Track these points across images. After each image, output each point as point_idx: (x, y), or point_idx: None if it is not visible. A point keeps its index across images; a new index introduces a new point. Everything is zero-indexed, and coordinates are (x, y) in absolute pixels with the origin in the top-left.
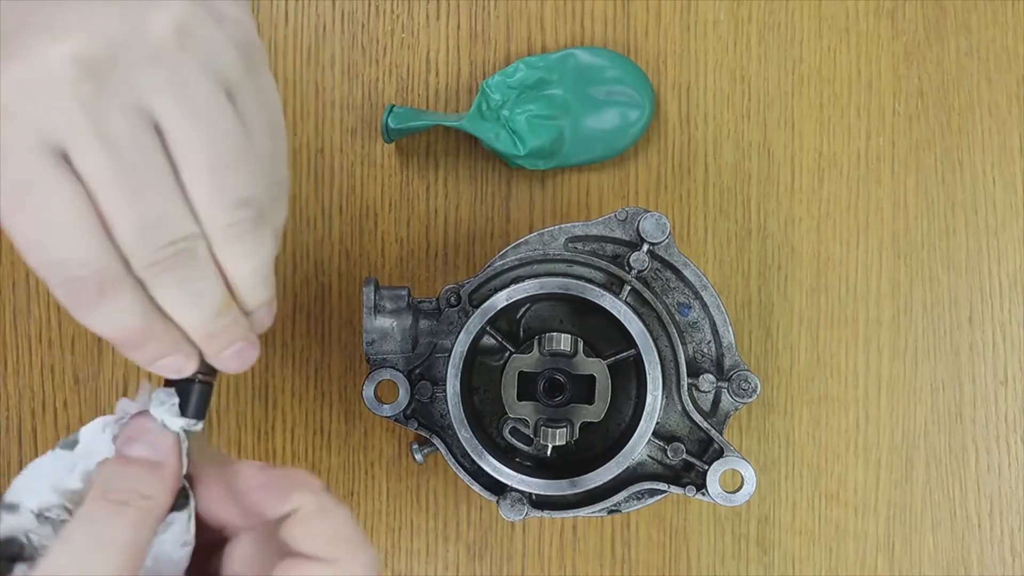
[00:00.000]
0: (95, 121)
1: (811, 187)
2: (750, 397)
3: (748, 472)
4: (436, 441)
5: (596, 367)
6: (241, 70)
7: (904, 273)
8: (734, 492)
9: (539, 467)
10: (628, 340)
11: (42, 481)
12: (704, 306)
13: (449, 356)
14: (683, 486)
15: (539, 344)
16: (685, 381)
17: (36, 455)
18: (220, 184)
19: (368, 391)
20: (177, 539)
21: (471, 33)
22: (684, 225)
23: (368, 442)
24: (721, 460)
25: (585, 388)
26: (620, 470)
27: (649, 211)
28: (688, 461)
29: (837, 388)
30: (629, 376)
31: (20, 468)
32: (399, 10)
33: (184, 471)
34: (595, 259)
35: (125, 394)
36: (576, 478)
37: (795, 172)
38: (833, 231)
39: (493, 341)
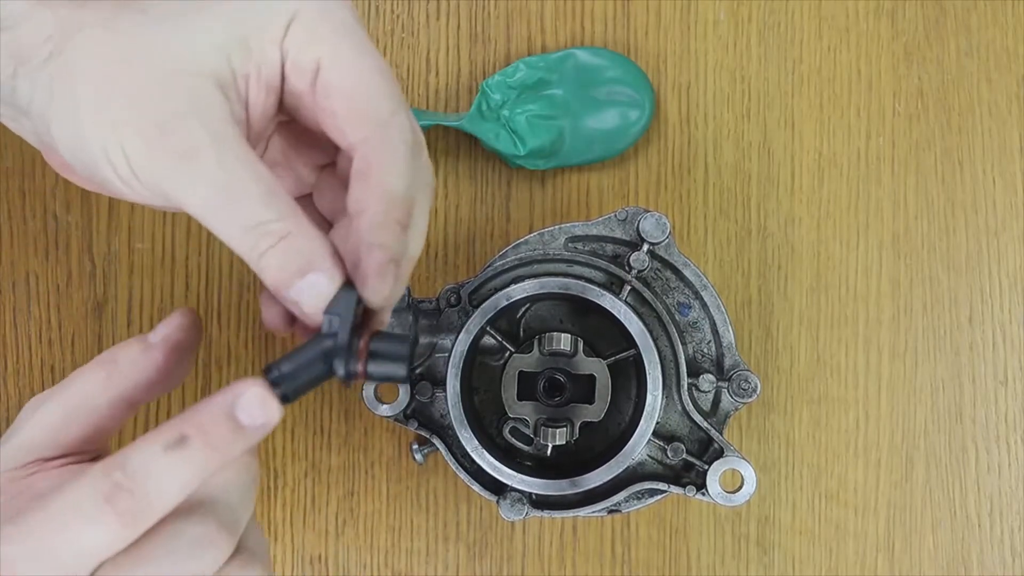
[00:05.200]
0: None
1: (811, 187)
2: (750, 397)
3: (748, 472)
4: (436, 441)
5: (596, 367)
6: None
7: (904, 273)
8: (734, 492)
9: (539, 467)
10: (628, 340)
11: None
12: (704, 306)
13: (449, 356)
14: (683, 486)
15: (539, 344)
16: (685, 381)
17: None
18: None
19: (368, 391)
20: None
21: (471, 33)
22: (684, 225)
23: (368, 442)
24: (721, 460)
25: (585, 388)
26: (620, 470)
27: (649, 211)
28: (688, 461)
29: (837, 388)
30: (629, 376)
31: None
32: (399, 10)
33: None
34: (595, 259)
35: None
36: (576, 478)
37: (795, 172)
38: (833, 231)
39: (493, 341)
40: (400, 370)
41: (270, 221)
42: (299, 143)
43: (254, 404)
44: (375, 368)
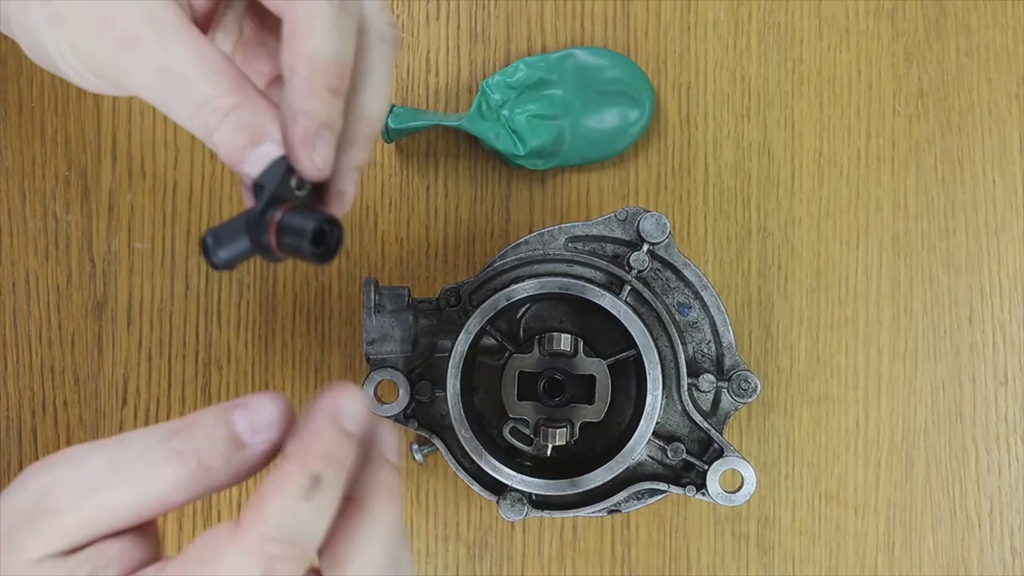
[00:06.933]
0: None
1: (811, 187)
2: (750, 397)
3: (748, 472)
4: (436, 441)
5: (596, 367)
6: None
7: (904, 273)
8: (734, 492)
9: (539, 467)
10: (628, 340)
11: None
12: (704, 306)
13: (449, 356)
14: (683, 486)
15: (539, 344)
16: (685, 381)
17: (36, 455)
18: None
19: (368, 391)
20: None
21: (471, 33)
22: (684, 225)
23: None
24: (721, 460)
25: (585, 388)
26: (620, 470)
27: (649, 211)
28: (688, 461)
29: (837, 388)
30: (629, 376)
31: (20, 468)
32: (399, 10)
33: None
34: (595, 259)
35: (125, 394)
36: (576, 478)
37: (795, 172)
38: (833, 231)
39: (493, 341)
40: (303, 244)
41: (216, 97)
42: (267, 22)
43: (354, 406)
44: (282, 241)
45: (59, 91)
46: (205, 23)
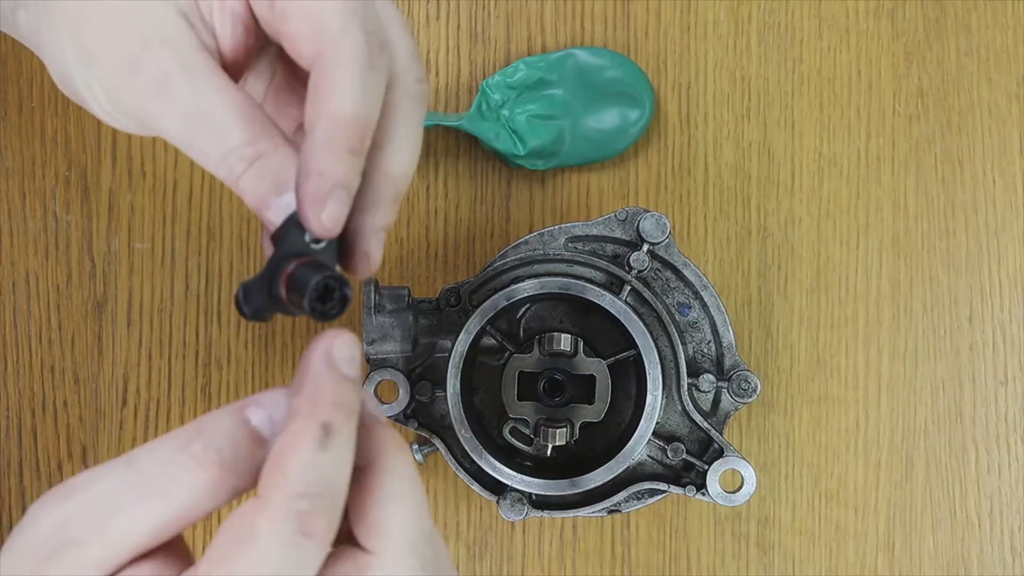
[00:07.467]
0: None
1: (811, 187)
2: (750, 397)
3: (748, 472)
4: (436, 441)
5: (596, 367)
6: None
7: (904, 273)
8: (734, 492)
9: (539, 467)
10: (628, 340)
11: None
12: (704, 306)
13: (449, 356)
14: (683, 486)
15: (539, 344)
16: (685, 381)
17: (36, 455)
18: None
19: (368, 391)
20: None
21: (471, 33)
22: (684, 225)
23: None
24: (721, 460)
25: (585, 388)
26: (620, 470)
27: (649, 211)
28: (688, 461)
29: (837, 388)
30: (629, 376)
31: (20, 468)
32: (399, 10)
33: None
34: (595, 259)
35: (125, 394)
36: (576, 478)
37: (795, 172)
38: (833, 231)
39: (493, 341)
40: (303, 299)
41: (244, 145)
42: (297, 70)
43: (347, 349)
44: (290, 295)
45: (59, 91)
46: (235, 70)
